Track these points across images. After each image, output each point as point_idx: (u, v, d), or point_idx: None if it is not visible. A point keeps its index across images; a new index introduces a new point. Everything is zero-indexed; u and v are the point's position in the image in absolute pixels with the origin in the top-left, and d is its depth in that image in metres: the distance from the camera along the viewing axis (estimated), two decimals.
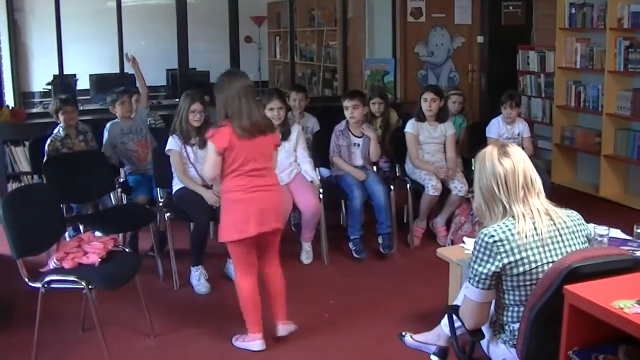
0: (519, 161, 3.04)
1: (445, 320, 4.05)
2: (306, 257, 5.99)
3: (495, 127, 6.66)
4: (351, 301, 5.17)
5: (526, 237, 2.91)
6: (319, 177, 6.17)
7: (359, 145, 6.21)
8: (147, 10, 11.07)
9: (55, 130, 6.26)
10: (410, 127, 6.37)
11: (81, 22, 9.93)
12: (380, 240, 6.08)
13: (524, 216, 2.95)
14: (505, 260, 2.89)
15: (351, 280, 5.64)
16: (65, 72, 8.39)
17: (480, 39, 9.44)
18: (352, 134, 6.19)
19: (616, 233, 4.55)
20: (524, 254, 2.90)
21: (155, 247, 5.73)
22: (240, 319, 4.78)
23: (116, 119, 6.47)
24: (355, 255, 5.98)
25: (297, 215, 6.27)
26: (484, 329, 3.15)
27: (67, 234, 5.67)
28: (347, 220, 6.14)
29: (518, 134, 6.68)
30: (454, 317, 3.30)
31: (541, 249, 2.92)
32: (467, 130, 7.10)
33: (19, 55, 8.58)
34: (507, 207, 2.98)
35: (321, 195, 5.91)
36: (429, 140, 6.38)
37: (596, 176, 8.06)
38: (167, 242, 5.84)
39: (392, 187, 6.22)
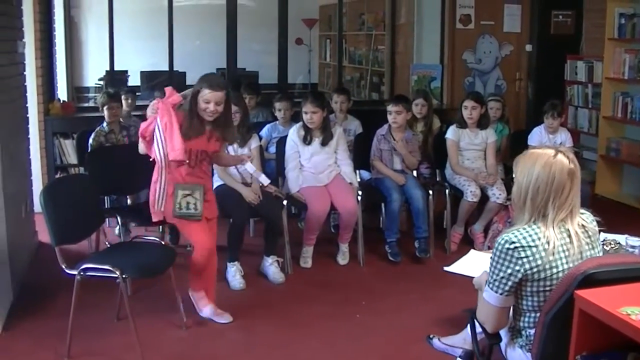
0: (560, 172, 2.95)
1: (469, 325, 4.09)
2: (342, 258, 6.05)
3: (537, 136, 6.64)
4: (383, 303, 5.22)
5: (549, 244, 2.90)
6: (359, 180, 6.24)
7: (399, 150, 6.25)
8: (199, 10, 11.19)
9: (100, 125, 6.40)
10: (451, 133, 6.40)
11: (135, 19, 10.16)
12: (416, 245, 6.10)
13: (552, 229, 2.94)
14: (527, 266, 2.90)
15: (385, 282, 5.68)
16: (117, 68, 8.58)
17: (528, 47, 9.39)
18: (394, 139, 6.23)
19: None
20: (544, 260, 2.90)
21: None
22: (272, 314, 4.89)
23: None
24: (391, 258, 6.02)
25: (337, 217, 6.33)
26: (503, 332, 3.18)
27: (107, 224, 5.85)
28: (385, 223, 6.17)
29: (560, 144, 6.64)
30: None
31: (562, 254, 2.93)
32: (508, 138, 7.09)
33: (74, 50, 8.79)
34: (534, 212, 2.98)
35: (359, 198, 5.95)
36: (470, 147, 6.40)
37: None
38: None
39: (431, 192, 6.24)
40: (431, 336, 4.45)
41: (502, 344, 3.20)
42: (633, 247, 4.26)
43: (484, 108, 6.42)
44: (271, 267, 5.59)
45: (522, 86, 9.49)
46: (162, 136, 4.34)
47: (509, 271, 2.92)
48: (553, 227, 2.94)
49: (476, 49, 9.30)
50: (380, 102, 9.43)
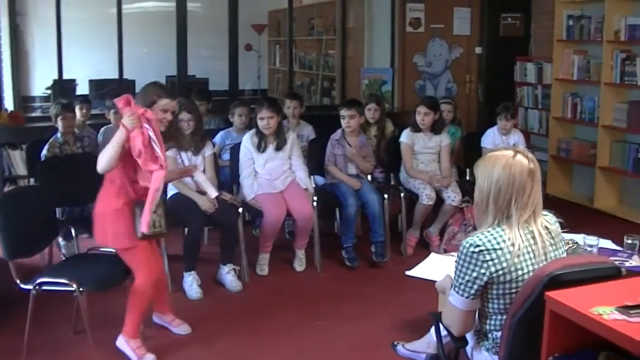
0: (520, 173, 2.96)
1: (434, 328, 4.08)
2: (299, 264, 6.00)
3: (491, 138, 6.69)
4: (343, 309, 5.18)
5: (514, 246, 2.90)
6: (314, 185, 6.20)
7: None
8: (147, 17, 11.12)
9: (54, 136, 6.26)
10: (405, 137, 6.41)
11: (82, 27, 9.98)
12: (373, 249, 6.09)
13: (517, 229, 2.94)
14: (493, 269, 2.89)
15: (344, 288, 5.65)
16: (65, 77, 8.42)
17: (478, 49, 9.47)
18: (348, 143, 6.21)
19: (607, 244, 4.59)
20: (510, 262, 2.89)
21: None
22: (232, 324, 4.83)
23: (111, 124, 6.51)
24: (348, 263, 6.00)
25: (291, 223, 6.29)
26: (469, 335, 3.17)
27: (59, 238, 5.72)
28: (341, 228, 6.15)
29: (513, 145, 6.69)
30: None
31: (526, 256, 2.93)
32: (461, 140, 7.13)
33: (20, 59, 8.60)
34: (497, 214, 2.97)
35: (315, 203, 5.92)
36: (424, 150, 6.41)
37: (591, 188, 8.07)
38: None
39: (386, 196, 6.23)
40: (395, 343, 4.42)
41: (468, 347, 3.19)
42: (591, 246, 4.31)
43: (437, 114, 6.43)
44: (228, 275, 5.53)
45: (472, 88, 9.56)
46: (157, 144, 4.09)
47: (475, 274, 2.91)
48: (518, 228, 2.94)
49: (426, 52, 9.35)
50: (332, 107, 9.46)
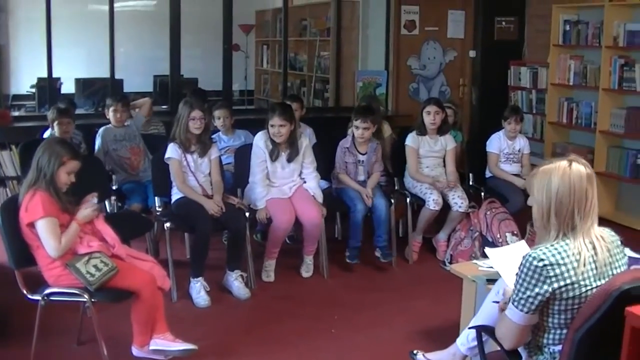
0: (579, 180, 2.86)
1: (461, 339, 3.96)
2: (306, 270, 5.87)
3: (497, 142, 6.60)
4: (355, 317, 5.07)
5: (579, 258, 2.80)
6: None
7: (363, 162, 6.15)
8: (133, 16, 10.94)
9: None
10: (411, 140, 6.30)
11: (65, 25, 9.74)
12: (378, 253, 6.01)
13: (582, 239, 2.84)
14: (556, 285, 2.78)
15: (353, 294, 5.54)
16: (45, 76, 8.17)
17: (472, 53, 9.41)
18: (358, 151, 6.12)
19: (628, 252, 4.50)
20: (574, 278, 2.79)
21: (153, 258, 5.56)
22: (244, 334, 4.69)
23: (109, 125, 6.33)
24: (348, 260, 5.95)
25: (293, 228, 6.12)
26: (520, 348, 3.05)
27: None
28: (349, 232, 6.01)
29: (519, 150, 6.64)
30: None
31: (592, 272, 2.83)
32: (462, 144, 7.06)
33: (2, 57, 8.39)
34: (561, 226, 2.86)
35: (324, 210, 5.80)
36: (430, 154, 6.32)
37: None
38: (159, 252, 5.79)
39: (392, 201, 6.13)
40: (415, 352, 4.29)
41: None
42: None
43: (444, 114, 6.35)
44: (235, 282, 5.38)
45: (465, 92, 9.50)
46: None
47: (537, 290, 2.79)
48: (583, 237, 2.84)
49: (421, 54, 9.29)
50: (326, 109, 9.37)
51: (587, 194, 2.86)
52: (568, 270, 2.79)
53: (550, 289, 2.78)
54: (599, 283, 2.82)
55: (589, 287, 2.81)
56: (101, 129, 6.30)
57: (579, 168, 2.89)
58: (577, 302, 2.82)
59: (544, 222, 2.90)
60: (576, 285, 2.80)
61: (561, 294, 2.80)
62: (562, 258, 2.79)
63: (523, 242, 4.06)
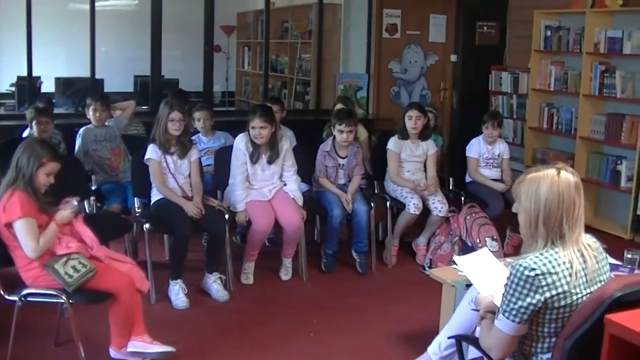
0: (568, 189, 2.84)
1: (432, 348, 3.96)
2: (285, 273, 5.84)
3: (476, 147, 6.60)
4: (334, 320, 5.06)
5: (571, 267, 2.79)
6: None
7: (343, 165, 6.14)
8: (114, 16, 10.87)
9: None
10: (393, 144, 6.29)
11: (45, 24, 9.66)
12: (358, 260, 6.02)
13: (571, 248, 2.82)
14: (548, 294, 2.76)
15: (332, 298, 5.52)
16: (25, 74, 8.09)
17: (453, 57, 9.45)
18: (338, 155, 6.11)
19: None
20: (566, 287, 2.77)
21: (132, 259, 5.52)
22: (222, 336, 4.66)
23: (90, 125, 6.28)
24: (324, 269, 5.98)
25: (273, 231, 6.08)
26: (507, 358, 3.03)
27: None
28: (325, 235, 6.01)
29: (498, 155, 6.64)
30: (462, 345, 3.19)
31: (582, 280, 2.81)
32: (443, 148, 7.06)
33: None
34: (549, 235, 2.83)
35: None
36: (411, 159, 6.32)
37: None
38: (137, 254, 5.75)
39: (372, 204, 6.13)
40: None
41: None
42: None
43: (426, 118, 6.34)
44: (214, 284, 5.34)
45: (446, 96, 9.53)
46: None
47: (529, 300, 2.76)
48: (572, 246, 2.82)
49: (402, 58, 9.30)
50: (307, 111, 9.35)
51: (575, 203, 2.84)
52: (560, 279, 2.77)
53: (542, 299, 2.76)
54: (589, 291, 2.81)
55: (579, 295, 2.80)
56: (82, 129, 6.24)
57: (568, 177, 2.86)
58: (568, 311, 2.80)
59: (532, 231, 2.88)
60: (567, 294, 2.78)
61: (552, 303, 2.78)
62: (553, 267, 2.77)
63: (486, 249, 4.06)
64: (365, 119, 8.39)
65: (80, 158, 6.08)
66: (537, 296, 2.75)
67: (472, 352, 3.28)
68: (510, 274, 2.82)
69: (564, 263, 2.79)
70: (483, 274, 3.59)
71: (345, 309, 5.29)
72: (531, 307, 2.77)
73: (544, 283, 2.75)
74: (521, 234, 2.98)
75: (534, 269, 2.75)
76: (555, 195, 2.82)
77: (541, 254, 2.81)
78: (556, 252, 2.81)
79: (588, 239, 2.95)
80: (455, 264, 4.07)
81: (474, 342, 3.11)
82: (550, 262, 2.78)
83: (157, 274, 5.31)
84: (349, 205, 5.91)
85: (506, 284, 2.83)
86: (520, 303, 2.77)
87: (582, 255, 2.85)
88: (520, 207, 2.92)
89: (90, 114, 6.25)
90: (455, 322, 3.77)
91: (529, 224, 2.88)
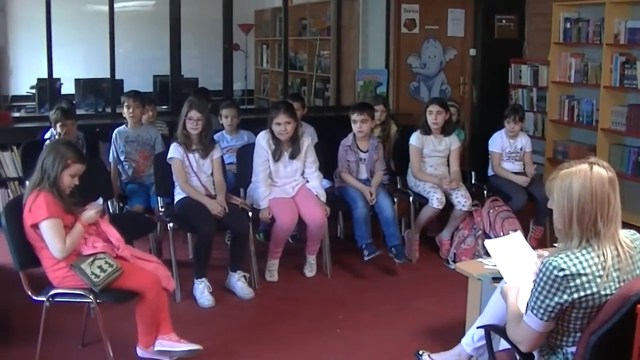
0: (601, 185, 2.77)
1: (466, 339, 3.94)
2: (309, 270, 5.85)
3: (499, 141, 6.57)
4: (360, 316, 5.06)
5: (604, 266, 2.74)
6: None
7: (365, 160, 6.14)
8: (133, 17, 10.91)
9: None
10: (415, 139, 6.28)
11: (63, 25, 9.71)
12: (393, 252, 5.88)
13: (606, 246, 2.76)
14: (576, 295, 2.72)
15: (356, 294, 5.52)
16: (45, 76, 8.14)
17: (472, 51, 9.40)
18: (360, 150, 6.10)
19: None
20: (595, 289, 2.73)
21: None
22: (248, 333, 4.67)
23: (122, 127, 6.27)
24: (367, 258, 5.76)
25: (296, 228, 6.09)
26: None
27: None
28: (355, 231, 5.92)
29: (521, 149, 6.60)
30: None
31: (614, 274, 2.77)
32: (465, 143, 7.03)
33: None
34: (584, 233, 2.77)
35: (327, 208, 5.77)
36: (434, 154, 6.31)
37: None
38: (162, 253, 5.74)
39: (395, 199, 6.12)
40: (420, 352, 4.27)
41: None
42: None
43: (448, 114, 6.32)
44: (239, 282, 5.36)
45: (466, 90, 9.49)
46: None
47: (557, 299, 2.73)
48: (608, 243, 2.76)
49: (421, 53, 9.27)
50: (328, 108, 9.35)
51: (610, 199, 2.77)
52: (589, 281, 2.72)
53: (570, 299, 2.73)
54: (619, 286, 2.78)
55: (609, 295, 2.76)
56: (115, 132, 6.25)
57: (601, 171, 2.79)
58: (596, 310, 2.78)
59: (566, 229, 2.82)
60: (596, 296, 2.74)
61: (580, 303, 2.75)
62: (584, 268, 2.72)
63: (519, 232, 3.98)
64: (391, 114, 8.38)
65: (114, 164, 6.20)
66: (565, 296, 2.72)
67: (503, 344, 3.25)
68: (540, 270, 2.78)
69: (596, 264, 2.74)
70: (512, 261, 3.51)
71: (370, 304, 5.30)
72: (558, 307, 2.75)
73: (572, 284, 2.71)
74: (555, 231, 2.91)
75: (563, 269, 2.71)
76: (588, 192, 2.75)
77: (573, 254, 2.75)
78: (589, 252, 2.75)
79: (625, 235, 2.89)
80: (487, 254, 3.98)
81: (503, 333, 3.09)
82: (581, 262, 2.73)
83: (181, 273, 5.33)
84: (372, 198, 5.89)
85: (535, 280, 2.81)
86: (547, 302, 2.75)
87: (618, 254, 2.79)
88: (553, 204, 2.87)
89: (124, 111, 6.25)
90: (487, 313, 3.74)
91: (563, 222, 2.82)
